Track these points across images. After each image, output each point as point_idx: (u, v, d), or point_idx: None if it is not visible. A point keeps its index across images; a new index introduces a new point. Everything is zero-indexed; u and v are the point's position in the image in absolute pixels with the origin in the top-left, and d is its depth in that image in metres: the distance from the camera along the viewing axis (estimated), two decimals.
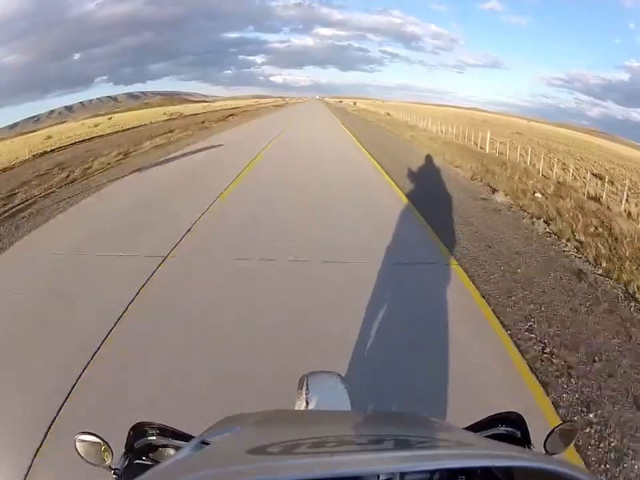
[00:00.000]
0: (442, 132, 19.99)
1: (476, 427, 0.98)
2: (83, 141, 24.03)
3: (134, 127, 28.97)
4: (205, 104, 48.78)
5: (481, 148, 14.11)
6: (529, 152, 13.77)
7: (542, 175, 9.93)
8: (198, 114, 33.99)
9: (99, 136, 25.70)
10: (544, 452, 0.91)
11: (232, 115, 32.07)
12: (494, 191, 7.35)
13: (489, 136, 13.58)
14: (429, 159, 10.85)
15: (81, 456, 0.91)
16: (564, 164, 14.12)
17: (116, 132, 27.48)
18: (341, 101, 70.18)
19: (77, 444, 0.91)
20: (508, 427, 0.96)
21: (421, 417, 1.01)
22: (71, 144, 21.64)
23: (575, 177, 11.47)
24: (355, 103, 61.45)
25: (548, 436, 0.92)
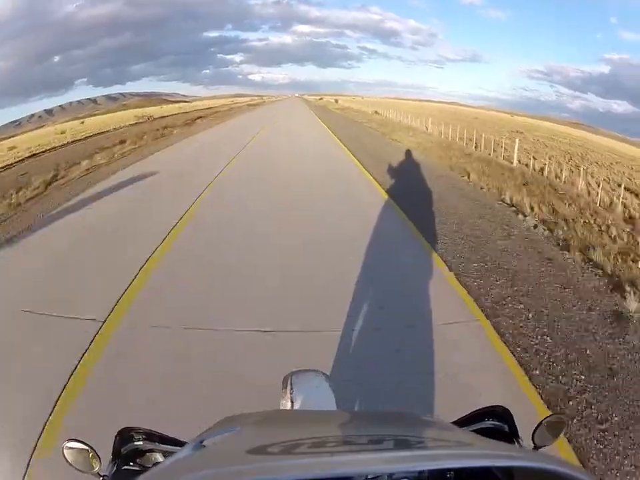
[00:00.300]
0: (445, 135, 17.69)
1: (463, 422, 0.96)
2: (33, 155, 22.16)
3: (93, 135, 26.99)
4: (183, 104, 46.88)
5: (503, 159, 11.85)
6: (555, 161, 11.74)
7: (599, 203, 7.71)
8: (165, 117, 30.93)
9: (51, 149, 23.54)
10: (532, 444, 0.89)
11: (200, 117, 29.11)
12: (611, 283, 4.37)
13: (516, 146, 11.34)
14: (466, 190, 8.02)
15: (69, 463, 0.89)
16: (592, 175, 12.27)
17: (73, 142, 25.53)
18: (321, 98, 67.45)
19: (65, 451, 0.89)
20: (495, 421, 0.94)
21: (419, 416, 1.00)
22: (18, 160, 19.74)
23: (615, 197, 9.46)
24: (336, 101, 58.77)
25: (536, 428, 0.90)
